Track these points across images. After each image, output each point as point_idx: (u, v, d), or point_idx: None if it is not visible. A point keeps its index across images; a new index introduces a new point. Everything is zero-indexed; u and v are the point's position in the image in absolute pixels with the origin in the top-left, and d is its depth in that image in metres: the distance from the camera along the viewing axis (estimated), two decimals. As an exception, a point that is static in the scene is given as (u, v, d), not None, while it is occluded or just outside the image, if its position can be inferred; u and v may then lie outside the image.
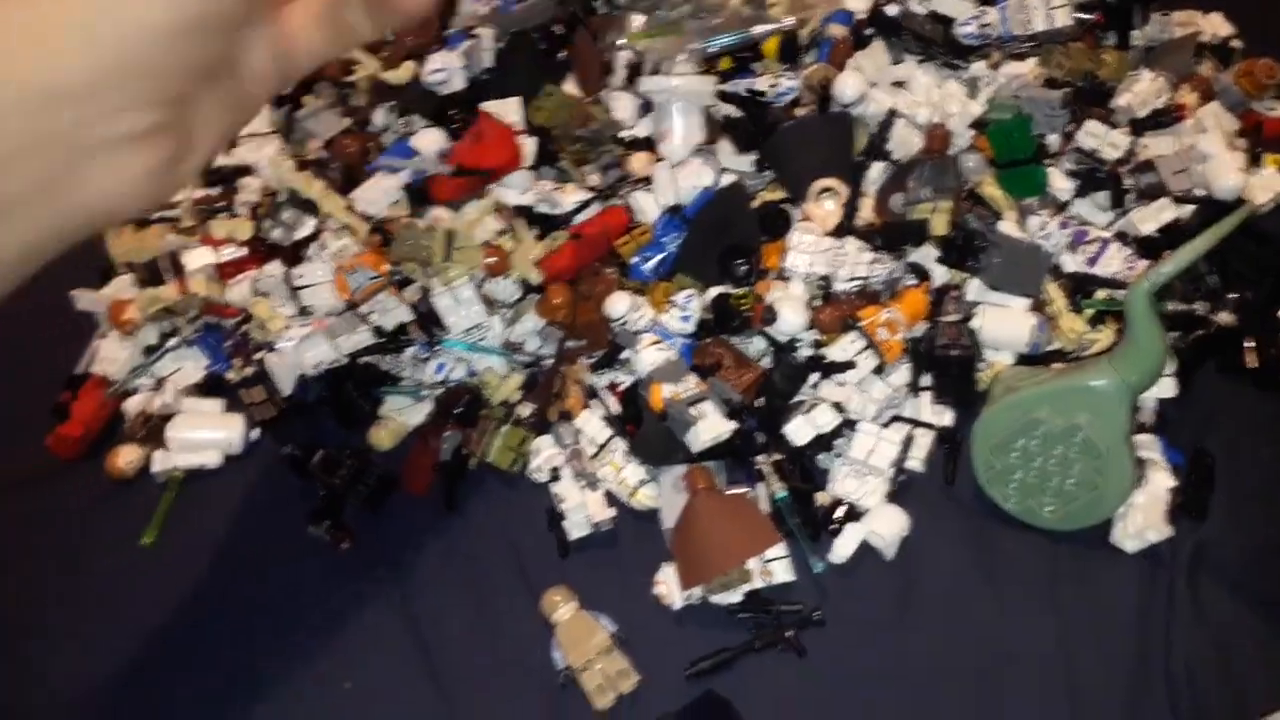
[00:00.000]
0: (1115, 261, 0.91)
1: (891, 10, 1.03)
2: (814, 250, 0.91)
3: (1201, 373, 0.91)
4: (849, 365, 0.88)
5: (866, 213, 0.96)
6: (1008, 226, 0.93)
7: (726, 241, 0.93)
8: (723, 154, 1.01)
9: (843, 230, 0.94)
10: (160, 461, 0.91)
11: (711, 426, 0.84)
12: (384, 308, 0.89)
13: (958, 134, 0.98)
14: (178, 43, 0.24)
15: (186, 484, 0.91)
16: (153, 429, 0.92)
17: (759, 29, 1.02)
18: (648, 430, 0.86)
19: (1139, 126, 1.00)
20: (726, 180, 0.98)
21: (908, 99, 0.99)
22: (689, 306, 0.90)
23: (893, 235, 0.94)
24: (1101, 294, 0.91)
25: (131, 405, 0.95)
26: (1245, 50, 1.14)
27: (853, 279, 0.91)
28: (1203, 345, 0.91)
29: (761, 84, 1.01)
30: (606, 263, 0.95)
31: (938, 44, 1.02)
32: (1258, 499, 0.84)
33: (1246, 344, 0.90)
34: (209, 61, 0.27)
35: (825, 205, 0.95)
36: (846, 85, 0.97)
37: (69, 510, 0.91)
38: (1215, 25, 1.16)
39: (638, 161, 0.99)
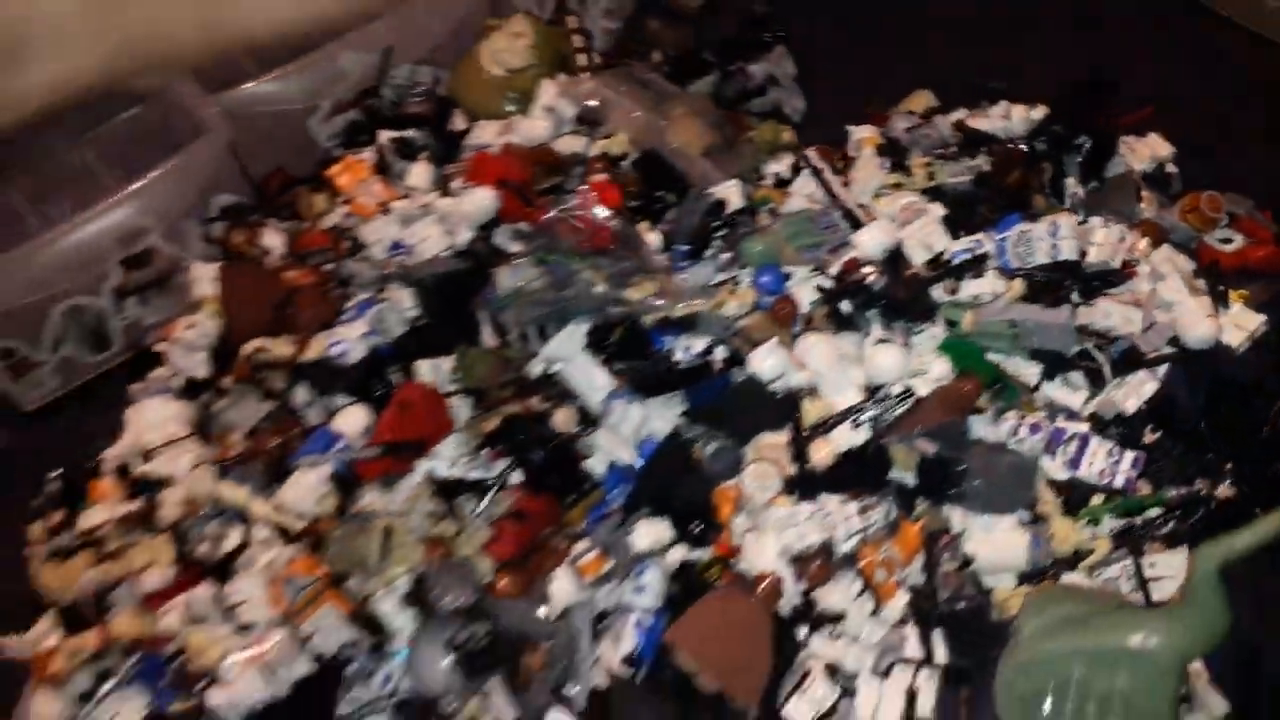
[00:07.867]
0: (1099, 459, 0.84)
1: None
2: (797, 521, 0.82)
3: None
4: (841, 616, 0.80)
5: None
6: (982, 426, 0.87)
7: (677, 498, 0.86)
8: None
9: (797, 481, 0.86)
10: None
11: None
12: (324, 626, 0.82)
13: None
14: None
15: None
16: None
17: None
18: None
19: (1088, 291, 0.95)
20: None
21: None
22: (644, 578, 0.82)
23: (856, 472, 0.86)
24: (1096, 499, 0.84)
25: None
26: (1179, 173, 1.10)
27: (850, 536, 0.82)
28: (1207, 525, 0.84)
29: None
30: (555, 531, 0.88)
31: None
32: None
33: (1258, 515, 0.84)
34: None
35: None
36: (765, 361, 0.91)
37: None
38: (1154, 146, 1.12)
39: (560, 419, 0.92)
